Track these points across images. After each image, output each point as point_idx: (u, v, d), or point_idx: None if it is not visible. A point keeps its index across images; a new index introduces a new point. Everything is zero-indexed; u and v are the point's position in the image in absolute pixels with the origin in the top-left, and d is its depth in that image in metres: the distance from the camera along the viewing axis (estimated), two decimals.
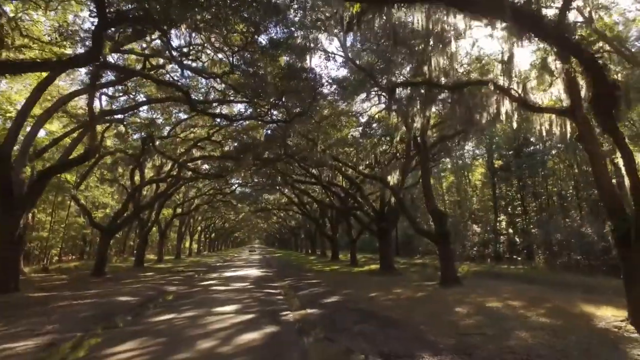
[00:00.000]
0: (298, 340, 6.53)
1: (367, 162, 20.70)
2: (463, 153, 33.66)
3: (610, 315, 7.75)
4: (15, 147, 13.20)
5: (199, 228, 57.10)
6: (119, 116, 18.35)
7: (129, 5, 9.23)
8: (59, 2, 12.87)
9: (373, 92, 15.77)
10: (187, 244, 52.49)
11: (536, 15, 6.02)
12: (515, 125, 9.23)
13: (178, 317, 8.51)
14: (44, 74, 13.33)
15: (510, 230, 24.67)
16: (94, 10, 10.00)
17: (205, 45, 12.09)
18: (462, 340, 6.24)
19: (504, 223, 25.50)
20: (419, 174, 19.97)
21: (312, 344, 6.41)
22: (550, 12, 7.56)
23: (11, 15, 12.68)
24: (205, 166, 28.28)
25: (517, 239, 23.54)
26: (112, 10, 9.09)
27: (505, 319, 7.77)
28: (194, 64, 15.14)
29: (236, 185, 36.48)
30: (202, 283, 16.20)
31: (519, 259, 22.07)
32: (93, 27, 9.86)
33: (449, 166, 39.51)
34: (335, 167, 20.31)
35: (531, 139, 26.14)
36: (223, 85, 16.29)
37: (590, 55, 5.92)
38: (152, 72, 15.37)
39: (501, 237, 24.88)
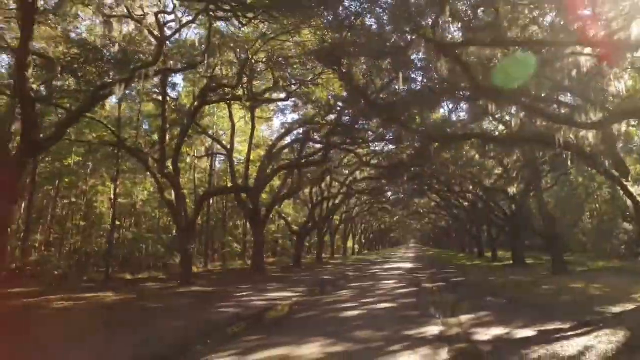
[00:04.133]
0: (426, 293, 12.55)
1: (497, 173, 24.54)
2: None
3: None
4: None
5: (360, 230, 65.59)
6: None
7: None
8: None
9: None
10: (350, 244, 61.33)
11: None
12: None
13: (362, 284, 15.38)
14: None
15: None
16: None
17: None
18: (516, 297, 11.13)
19: None
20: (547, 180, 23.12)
21: (432, 293, 12.40)
22: None
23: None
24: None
25: None
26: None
27: (567, 292, 11.59)
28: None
29: (390, 193, 42.88)
30: (369, 271, 23.15)
31: None
32: None
33: None
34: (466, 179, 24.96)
35: None
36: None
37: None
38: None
39: None
